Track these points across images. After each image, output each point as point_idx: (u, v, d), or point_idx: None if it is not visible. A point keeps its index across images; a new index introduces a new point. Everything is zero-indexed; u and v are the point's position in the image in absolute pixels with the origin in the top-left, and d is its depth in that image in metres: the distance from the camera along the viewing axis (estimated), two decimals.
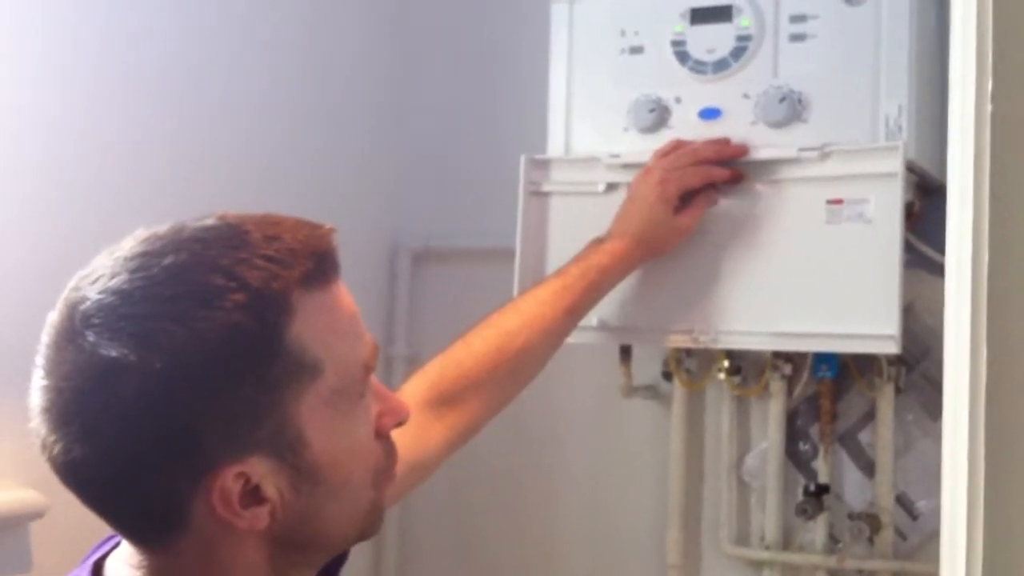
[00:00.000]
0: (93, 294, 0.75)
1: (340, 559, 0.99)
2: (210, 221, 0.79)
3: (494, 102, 1.90)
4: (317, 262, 0.79)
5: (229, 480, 0.76)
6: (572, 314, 1.35)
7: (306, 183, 1.80)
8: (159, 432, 0.74)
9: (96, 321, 0.74)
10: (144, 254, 0.76)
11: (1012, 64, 0.63)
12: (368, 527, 0.87)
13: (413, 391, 1.21)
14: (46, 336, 0.77)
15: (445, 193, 1.95)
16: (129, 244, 0.78)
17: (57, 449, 0.75)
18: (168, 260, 0.75)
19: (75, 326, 0.75)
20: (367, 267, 1.96)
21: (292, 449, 0.78)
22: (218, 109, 1.67)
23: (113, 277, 0.75)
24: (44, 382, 0.76)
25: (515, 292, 1.51)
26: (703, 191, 1.42)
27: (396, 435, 1.16)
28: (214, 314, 0.73)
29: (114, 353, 0.73)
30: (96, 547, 0.89)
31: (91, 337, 0.74)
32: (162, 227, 0.79)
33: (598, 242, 1.39)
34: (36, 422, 0.76)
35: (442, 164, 1.96)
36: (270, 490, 0.78)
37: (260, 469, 0.77)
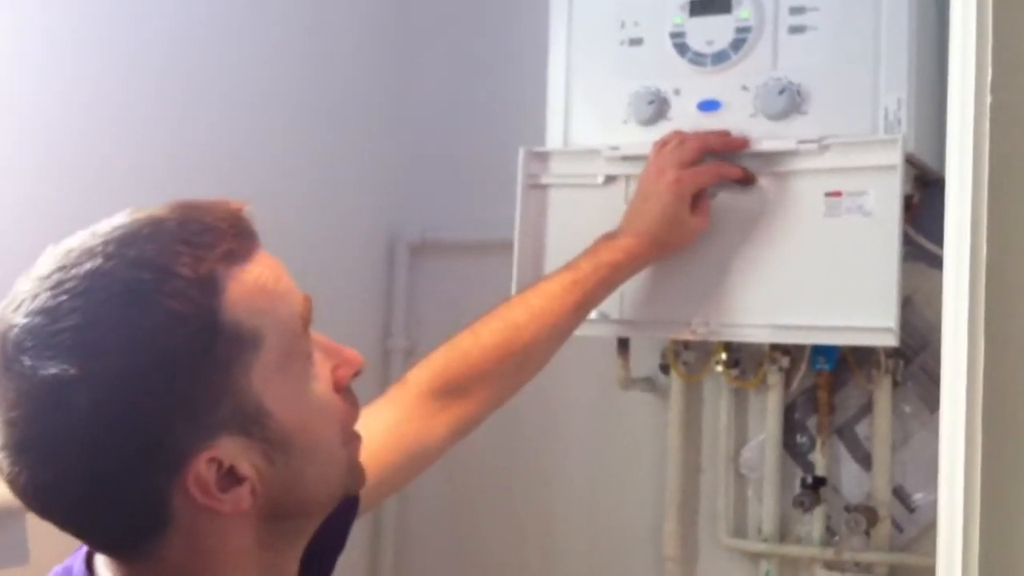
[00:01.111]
0: (19, 319, 0.74)
1: (336, 549, 0.99)
2: (120, 219, 0.78)
3: (492, 94, 1.90)
4: (236, 236, 0.79)
5: (202, 467, 0.75)
6: (580, 309, 1.34)
7: (304, 176, 1.80)
8: (121, 437, 0.73)
9: (28, 344, 0.73)
10: (60, 268, 0.75)
11: (1012, 55, 0.63)
12: (351, 484, 0.88)
13: (418, 379, 1.21)
14: None
15: (443, 185, 1.95)
16: (43, 263, 0.77)
17: (23, 479, 0.75)
18: (86, 267, 0.74)
19: (8, 354, 0.74)
20: (365, 259, 1.96)
21: (256, 422, 0.78)
22: (217, 103, 1.67)
23: (35, 298, 0.74)
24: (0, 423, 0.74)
25: (513, 284, 1.51)
26: (702, 193, 1.42)
27: (400, 423, 1.17)
28: (147, 308, 0.73)
29: (54, 371, 0.72)
30: None
31: (28, 361, 0.73)
32: (72, 237, 0.78)
33: (609, 238, 1.38)
34: (4, 462, 0.75)
35: (440, 156, 1.95)
36: (245, 468, 0.77)
37: (231, 450, 0.76)
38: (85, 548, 0.86)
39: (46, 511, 0.77)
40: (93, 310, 0.73)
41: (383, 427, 1.15)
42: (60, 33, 1.45)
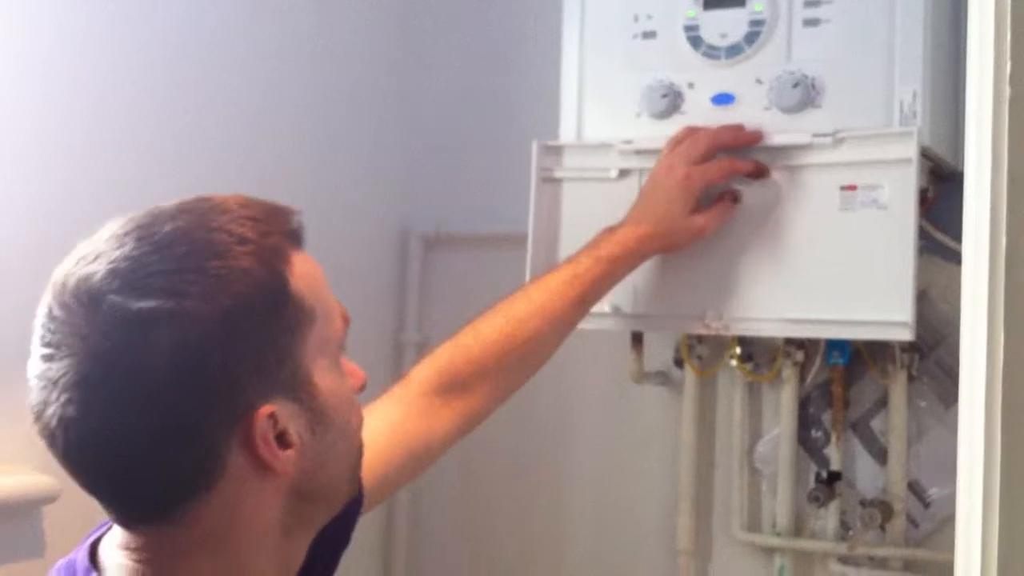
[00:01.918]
0: (101, 267, 0.76)
1: (341, 543, 0.99)
2: (185, 200, 0.82)
3: (506, 88, 1.89)
4: (292, 226, 0.84)
5: (264, 420, 0.78)
6: (582, 303, 1.34)
7: (317, 170, 1.80)
8: (198, 378, 0.76)
9: (116, 285, 0.75)
10: (138, 227, 0.79)
11: None
12: (352, 488, 0.91)
13: (420, 376, 1.22)
14: (46, 319, 0.77)
15: (456, 179, 1.95)
16: (112, 227, 0.80)
17: (81, 427, 0.75)
18: (168, 227, 0.79)
19: (92, 293, 0.75)
20: (378, 253, 1.96)
21: (306, 391, 0.82)
22: (227, 99, 1.67)
23: (117, 249, 0.77)
24: (60, 363, 0.75)
25: (527, 278, 1.51)
26: (723, 197, 1.41)
27: (404, 420, 1.18)
28: (229, 263, 0.77)
29: (147, 305, 0.74)
30: (95, 529, 0.89)
31: (115, 299, 0.75)
32: (138, 212, 0.81)
33: (610, 231, 1.38)
34: (52, 408, 0.75)
35: (454, 150, 1.95)
36: (293, 434, 0.81)
37: (286, 411, 0.80)
38: (89, 541, 0.86)
39: (91, 464, 0.77)
40: (180, 259, 0.77)
41: (387, 424, 1.15)
42: (67, 31, 1.46)
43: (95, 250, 0.78)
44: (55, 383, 0.75)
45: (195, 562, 0.81)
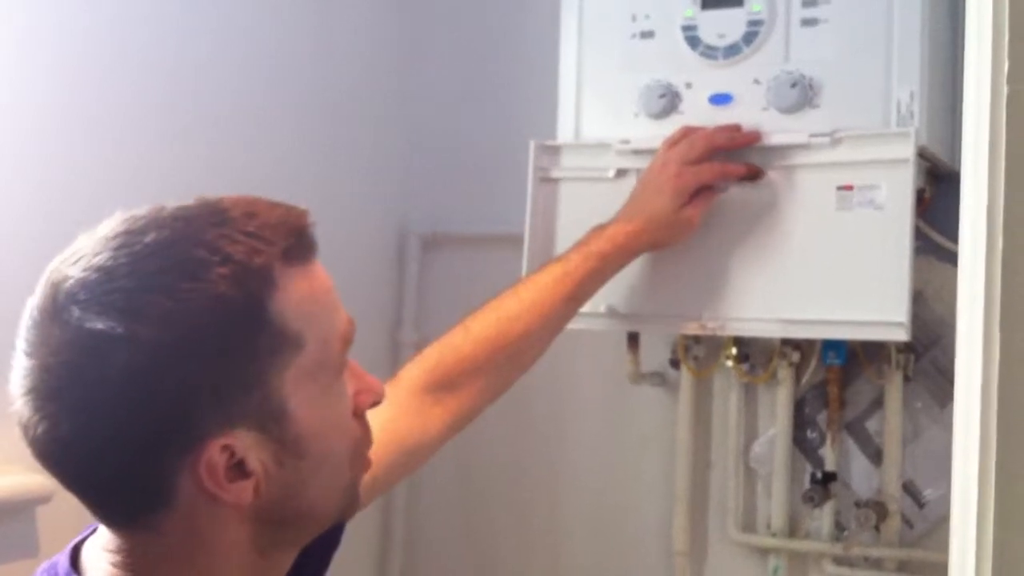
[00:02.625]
0: (76, 272, 0.75)
1: (331, 545, 0.98)
2: (189, 202, 0.80)
3: (503, 87, 1.89)
4: (296, 239, 0.80)
5: (216, 453, 0.76)
6: (572, 300, 1.34)
7: (315, 170, 1.80)
8: (148, 404, 0.74)
9: (81, 297, 0.74)
10: (126, 232, 0.77)
11: None
12: (346, 508, 0.88)
13: (411, 375, 1.21)
14: (28, 319, 0.77)
15: (454, 179, 1.95)
16: (109, 225, 0.78)
17: (42, 428, 0.75)
18: (150, 237, 0.76)
19: (58, 304, 0.75)
20: (376, 253, 1.96)
21: (276, 422, 0.78)
22: (226, 99, 1.67)
23: (95, 255, 0.76)
24: (28, 362, 0.75)
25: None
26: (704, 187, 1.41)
27: (395, 419, 1.16)
28: (200, 286, 0.74)
29: (101, 326, 0.73)
30: (80, 533, 0.89)
31: (76, 312, 0.74)
32: (141, 209, 0.79)
33: (600, 228, 1.37)
34: (19, 404, 0.76)
35: (451, 150, 1.95)
36: (254, 464, 0.78)
37: (245, 442, 0.77)
38: (72, 544, 0.86)
39: (56, 465, 0.77)
40: (148, 277, 0.75)
41: (376, 424, 1.14)
42: (68, 32, 1.46)
43: (80, 251, 0.77)
44: (24, 383, 0.76)
45: (169, 569, 0.81)
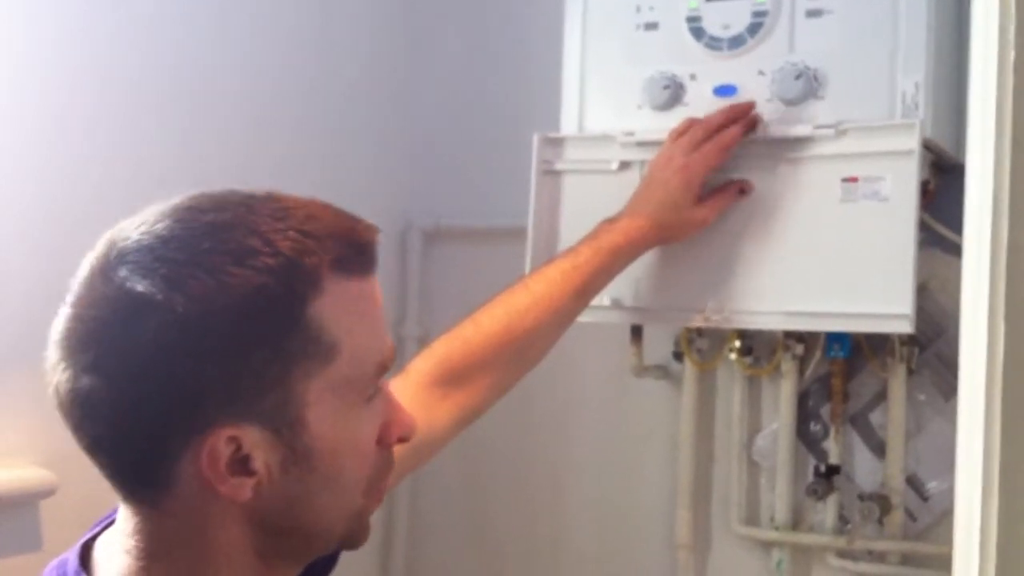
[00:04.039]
0: (134, 235, 0.77)
1: (329, 563, 0.98)
2: (260, 192, 0.80)
3: (506, 80, 1.89)
4: (353, 250, 0.80)
5: (221, 442, 0.76)
6: (582, 295, 1.34)
7: (317, 164, 1.80)
8: (166, 377, 0.74)
9: (131, 258, 0.75)
10: (190, 208, 0.78)
11: None
12: (353, 534, 0.86)
13: (419, 369, 1.21)
14: (81, 271, 0.78)
15: (457, 172, 1.94)
16: (180, 199, 0.79)
17: (64, 377, 0.76)
18: (210, 216, 0.77)
19: (110, 261, 0.76)
20: (378, 247, 1.95)
21: (291, 428, 0.77)
22: (229, 93, 1.67)
23: (156, 223, 0.77)
24: (68, 311, 0.77)
25: (527, 271, 1.51)
26: (728, 186, 1.41)
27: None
28: (244, 272, 0.75)
29: (142, 289, 0.74)
30: (92, 527, 0.88)
31: (123, 272, 0.75)
32: (215, 190, 0.80)
33: (610, 222, 1.37)
34: (51, 350, 0.77)
35: (454, 143, 1.95)
36: (259, 463, 0.77)
37: (253, 439, 0.76)
38: (81, 541, 0.86)
39: (69, 417, 0.78)
40: (199, 254, 0.75)
41: None
42: (70, 26, 1.45)
43: (145, 216, 0.78)
44: (59, 330, 0.77)
45: (175, 555, 0.80)
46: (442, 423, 1.20)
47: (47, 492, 1.35)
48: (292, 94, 1.78)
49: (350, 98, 1.89)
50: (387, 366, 0.83)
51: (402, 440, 0.87)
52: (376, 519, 2.03)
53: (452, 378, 1.21)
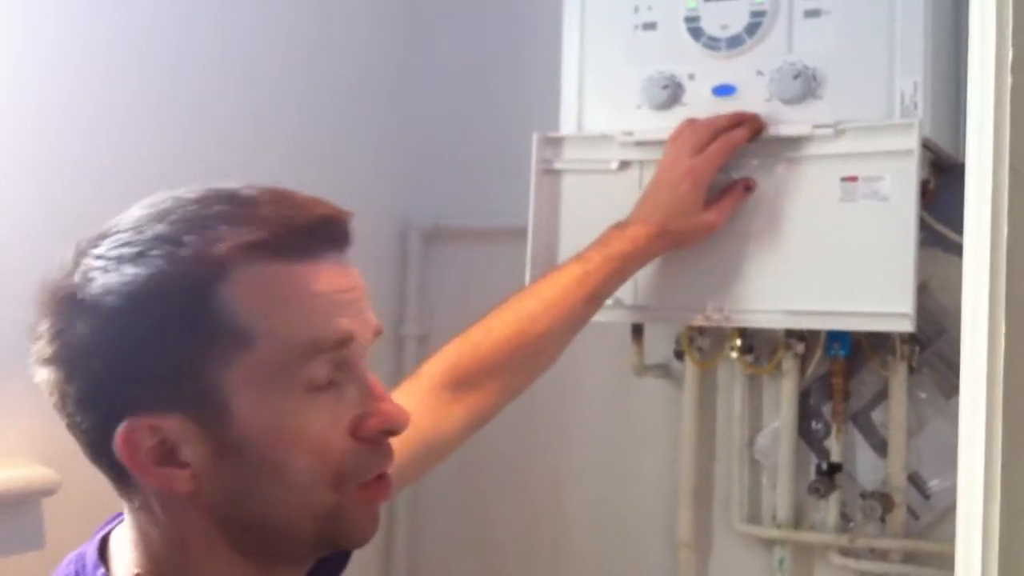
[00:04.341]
0: (93, 232, 0.79)
1: (339, 563, 0.98)
2: (230, 184, 0.81)
3: (506, 80, 1.89)
4: (286, 233, 0.77)
5: (142, 432, 0.76)
6: (593, 300, 1.34)
7: (316, 164, 1.80)
8: (91, 366, 0.76)
9: (86, 255, 0.78)
10: (141, 204, 0.80)
11: None
12: (338, 533, 0.82)
13: (430, 372, 1.21)
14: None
15: (456, 172, 1.94)
16: (154, 197, 0.81)
17: (34, 348, 0.80)
18: (141, 211, 0.79)
19: (80, 249, 0.79)
20: (378, 247, 1.96)
21: (215, 417, 0.76)
22: (228, 92, 1.67)
23: (111, 220, 0.80)
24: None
25: (527, 270, 1.51)
26: (734, 187, 1.41)
27: (414, 416, 1.15)
28: (148, 261, 0.75)
29: (70, 284, 0.77)
30: (107, 522, 0.89)
31: (78, 267, 0.78)
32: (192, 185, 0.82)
33: (620, 228, 1.37)
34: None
35: (453, 143, 1.95)
36: (189, 454, 0.77)
37: (177, 429, 0.76)
38: (101, 532, 0.86)
39: (50, 396, 0.80)
40: (115, 248, 0.77)
41: None
42: (70, 25, 1.45)
43: (125, 217, 0.80)
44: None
45: (162, 550, 0.81)
46: (453, 426, 1.20)
47: (49, 490, 1.35)
48: (291, 94, 1.78)
49: (349, 98, 1.89)
50: (322, 348, 0.78)
51: (390, 434, 0.83)
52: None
53: (462, 382, 1.21)
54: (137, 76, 1.53)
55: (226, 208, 0.78)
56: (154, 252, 0.75)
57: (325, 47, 1.84)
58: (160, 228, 0.76)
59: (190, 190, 0.80)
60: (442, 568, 1.95)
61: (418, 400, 1.18)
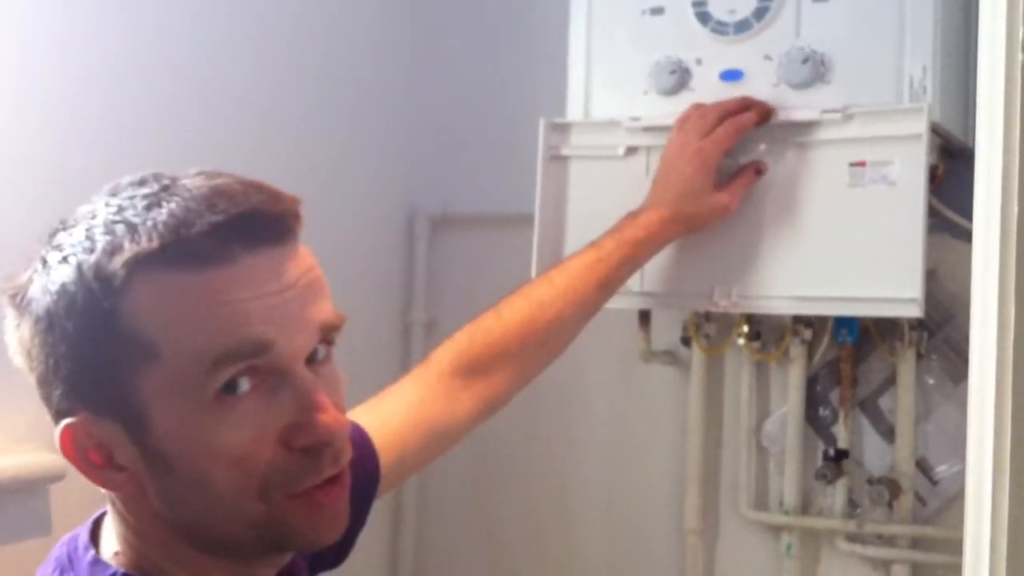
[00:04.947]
0: (69, 220, 0.79)
1: (354, 526, 0.97)
2: (179, 175, 0.79)
3: (512, 66, 1.88)
4: (189, 240, 0.72)
5: (81, 433, 0.76)
6: (605, 287, 1.34)
7: (325, 152, 1.80)
8: (36, 364, 0.77)
9: (53, 244, 0.78)
10: (89, 200, 0.80)
11: None
12: (280, 539, 0.79)
13: (441, 359, 1.21)
14: None
15: (463, 159, 1.94)
16: (115, 186, 0.81)
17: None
18: (80, 210, 0.78)
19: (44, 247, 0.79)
20: (385, 233, 1.96)
21: (137, 426, 0.75)
22: (239, 82, 1.67)
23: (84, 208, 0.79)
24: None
25: (534, 257, 1.51)
26: (745, 170, 1.40)
27: (423, 401, 1.16)
28: (62, 268, 0.75)
29: (24, 279, 0.78)
30: (103, 506, 0.89)
31: (47, 258, 0.77)
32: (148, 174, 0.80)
33: (633, 215, 1.37)
34: None
35: (460, 129, 1.95)
36: (123, 458, 0.76)
37: (110, 434, 0.76)
38: (92, 517, 0.87)
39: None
40: (55, 255, 0.77)
41: (405, 405, 1.14)
42: (74, 28, 1.45)
43: (82, 210, 0.79)
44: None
45: (132, 540, 0.81)
46: (464, 412, 1.20)
47: (56, 477, 1.36)
48: (299, 85, 1.78)
49: (356, 87, 1.88)
50: (233, 358, 0.73)
51: (320, 446, 0.76)
52: (384, 509, 2.04)
53: (474, 368, 1.21)
54: (148, 73, 1.53)
55: (138, 213, 0.74)
56: (72, 258, 0.75)
57: (333, 37, 1.84)
58: (82, 230, 0.76)
59: (133, 180, 0.79)
60: (449, 556, 1.95)
61: (427, 386, 1.18)
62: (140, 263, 0.72)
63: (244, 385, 0.74)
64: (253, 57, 1.70)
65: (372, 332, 1.82)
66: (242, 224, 0.74)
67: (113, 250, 0.73)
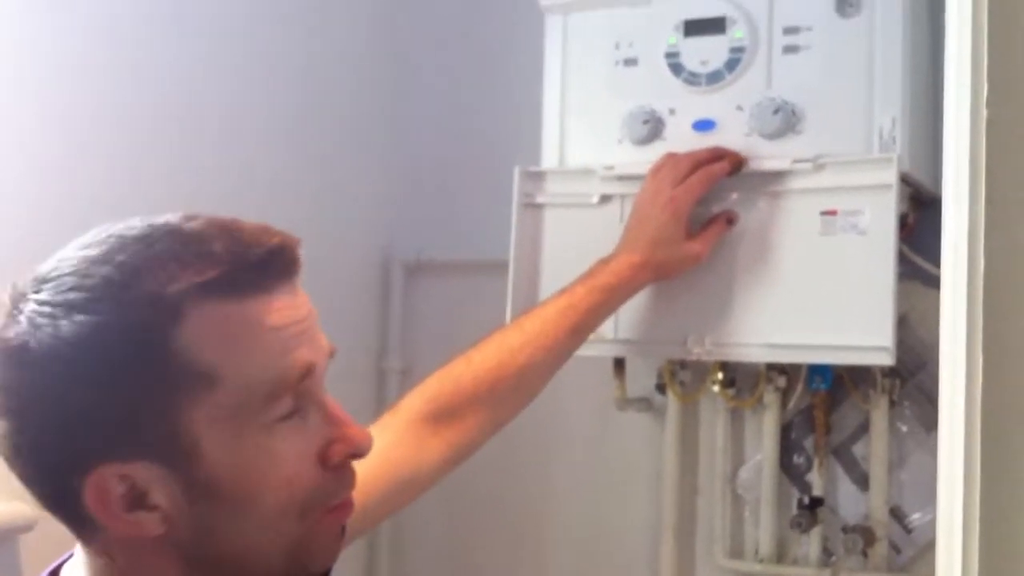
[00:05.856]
0: (45, 269, 0.77)
1: None
2: (172, 218, 0.78)
3: (487, 114, 1.90)
4: (238, 269, 0.76)
5: (111, 480, 0.74)
6: (576, 333, 1.34)
7: (300, 196, 1.80)
8: (49, 418, 0.74)
9: (27, 300, 0.75)
10: (79, 243, 0.78)
11: (1007, 69, 0.63)
12: (305, 559, 0.82)
13: (410, 406, 1.20)
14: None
15: (438, 205, 1.95)
16: (92, 237, 0.78)
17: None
18: (84, 252, 0.76)
19: (18, 292, 0.77)
20: (360, 280, 1.95)
21: (186, 458, 0.75)
22: (215, 125, 1.67)
23: (49, 262, 0.77)
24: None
25: (509, 304, 1.51)
26: (717, 219, 1.41)
27: (390, 448, 1.14)
28: (103, 307, 0.73)
29: (18, 332, 0.74)
30: (63, 556, 0.88)
31: (18, 314, 0.75)
32: (132, 220, 0.79)
33: (604, 261, 1.37)
34: None
35: (435, 176, 1.95)
36: (159, 498, 0.75)
37: (147, 474, 0.75)
38: (49, 569, 0.85)
39: (6, 459, 0.78)
40: (62, 294, 0.74)
41: (372, 452, 1.13)
42: (62, 42, 1.46)
43: (63, 257, 0.77)
44: None
45: None
46: (432, 460, 1.19)
47: (26, 527, 1.34)
48: (277, 127, 1.78)
49: (333, 131, 1.89)
50: (291, 384, 0.77)
51: (354, 457, 0.82)
52: (358, 553, 2.01)
53: (443, 415, 1.20)
54: (125, 109, 1.54)
55: (173, 246, 0.76)
56: (104, 297, 0.73)
57: (311, 81, 1.85)
58: (106, 271, 0.74)
59: (129, 227, 0.78)
60: None
61: (396, 434, 1.17)
62: (197, 291, 0.74)
63: (290, 406, 0.78)
64: (231, 101, 1.70)
65: (346, 379, 1.79)
66: (277, 258, 0.78)
67: (166, 280, 0.74)
